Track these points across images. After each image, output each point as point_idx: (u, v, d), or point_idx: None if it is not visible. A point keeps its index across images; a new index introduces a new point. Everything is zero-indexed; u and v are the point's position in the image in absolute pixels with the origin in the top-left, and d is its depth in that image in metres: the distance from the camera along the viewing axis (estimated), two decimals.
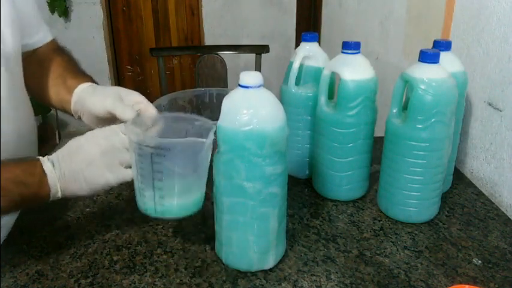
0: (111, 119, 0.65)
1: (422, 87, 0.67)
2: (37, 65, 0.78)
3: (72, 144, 0.60)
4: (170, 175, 0.58)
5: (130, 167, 0.60)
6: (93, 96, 0.68)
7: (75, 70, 0.78)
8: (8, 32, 0.66)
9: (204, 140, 0.56)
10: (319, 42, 0.84)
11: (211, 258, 0.65)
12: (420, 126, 0.68)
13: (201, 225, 0.73)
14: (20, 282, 0.61)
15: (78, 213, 0.77)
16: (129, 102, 0.66)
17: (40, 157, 0.59)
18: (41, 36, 0.80)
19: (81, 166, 0.58)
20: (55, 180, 0.58)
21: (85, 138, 0.60)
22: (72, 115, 0.72)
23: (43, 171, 0.58)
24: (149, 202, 0.59)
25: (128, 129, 0.59)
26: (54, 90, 0.75)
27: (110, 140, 0.60)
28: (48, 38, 0.82)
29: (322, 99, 0.78)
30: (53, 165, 0.58)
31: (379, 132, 0.79)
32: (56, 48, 0.83)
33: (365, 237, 0.71)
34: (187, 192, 0.60)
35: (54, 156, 0.59)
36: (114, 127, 0.62)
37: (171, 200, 0.59)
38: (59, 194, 0.59)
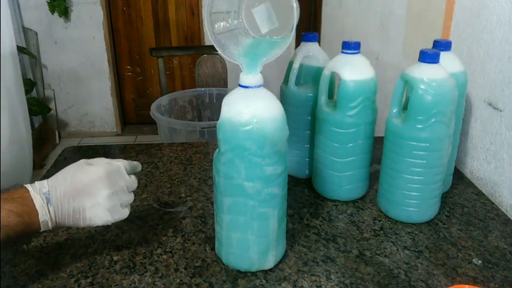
0: None
1: (422, 87, 0.67)
2: None
3: (78, 179, 0.57)
4: None
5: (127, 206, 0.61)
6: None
7: None
8: (6, 33, 0.65)
9: None
10: (319, 42, 0.84)
11: (211, 258, 0.65)
12: (420, 126, 0.68)
13: (201, 225, 0.74)
14: (20, 282, 0.61)
15: None
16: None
17: (31, 190, 0.55)
18: None
19: (85, 206, 0.56)
20: (46, 218, 0.55)
21: (91, 177, 0.57)
22: None
23: (34, 209, 0.54)
24: None
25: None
26: None
27: (117, 184, 0.59)
28: None
29: (322, 99, 0.78)
30: (48, 201, 0.55)
31: (379, 132, 0.79)
32: None
33: (365, 237, 0.71)
34: None
35: (52, 190, 0.56)
36: (120, 167, 0.60)
37: None
38: (50, 227, 0.56)
